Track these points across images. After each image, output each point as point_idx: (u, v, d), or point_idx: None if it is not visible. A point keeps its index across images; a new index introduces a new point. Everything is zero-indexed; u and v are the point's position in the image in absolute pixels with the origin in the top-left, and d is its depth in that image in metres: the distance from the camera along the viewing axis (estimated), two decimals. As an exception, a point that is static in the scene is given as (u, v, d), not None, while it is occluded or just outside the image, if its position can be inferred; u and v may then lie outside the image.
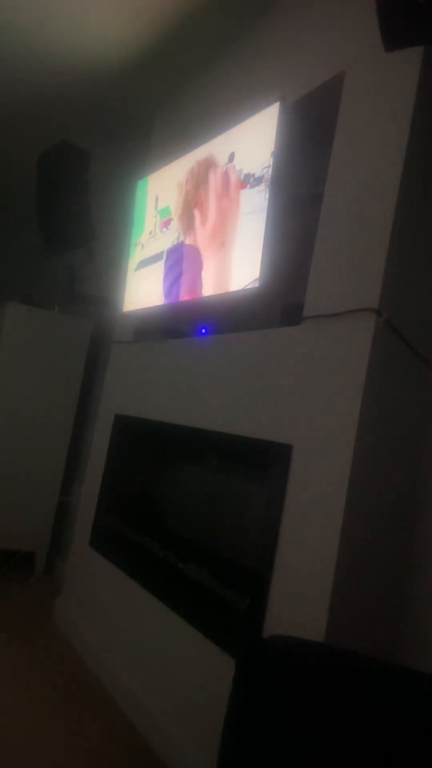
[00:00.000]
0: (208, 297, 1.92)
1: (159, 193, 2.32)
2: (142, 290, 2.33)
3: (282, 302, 1.77)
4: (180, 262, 2.09)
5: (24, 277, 4.62)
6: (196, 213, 2.03)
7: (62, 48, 2.42)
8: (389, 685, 0.94)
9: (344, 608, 1.34)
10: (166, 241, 2.21)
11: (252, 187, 1.79)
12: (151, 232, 2.34)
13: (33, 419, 3.11)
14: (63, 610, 2.47)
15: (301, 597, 1.37)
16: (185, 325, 2.14)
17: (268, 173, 1.73)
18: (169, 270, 2.16)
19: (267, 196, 1.72)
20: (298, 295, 1.63)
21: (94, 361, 3.35)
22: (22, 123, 3.12)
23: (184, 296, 2.04)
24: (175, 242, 2.14)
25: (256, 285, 1.71)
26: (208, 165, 2.02)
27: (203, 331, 2.04)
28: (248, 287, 1.74)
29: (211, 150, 2.02)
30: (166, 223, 2.22)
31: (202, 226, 1.98)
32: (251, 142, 1.84)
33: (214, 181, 1.96)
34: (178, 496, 2.30)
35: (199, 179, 2.05)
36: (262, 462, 1.62)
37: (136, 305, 2.38)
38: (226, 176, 1.91)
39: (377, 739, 0.88)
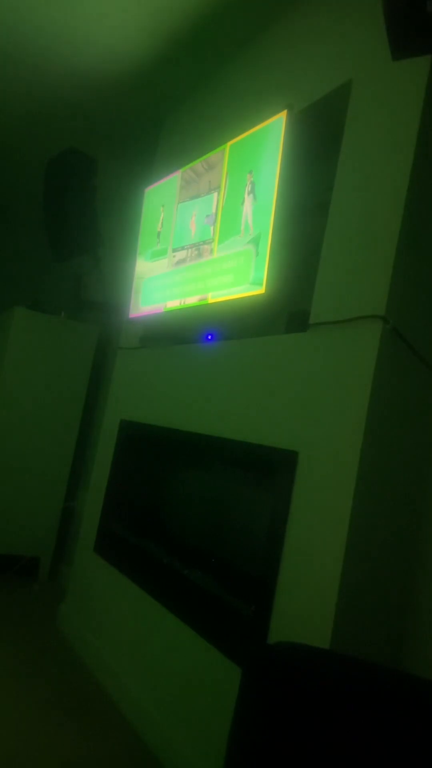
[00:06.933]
0: (215, 303, 1.92)
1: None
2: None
3: (288, 309, 1.77)
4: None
5: (31, 282, 4.65)
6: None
7: (71, 56, 2.45)
8: (396, 692, 0.94)
9: (350, 615, 1.33)
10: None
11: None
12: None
13: (38, 424, 3.12)
14: (66, 615, 2.47)
15: (306, 604, 1.36)
16: (191, 331, 2.15)
17: (276, 181, 1.74)
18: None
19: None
20: (305, 301, 1.64)
21: (100, 366, 3.36)
22: (31, 130, 3.15)
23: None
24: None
25: (262, 291, 1.71)
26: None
27: (209, 337, 2.04)
28: (254, 293, 1.75)
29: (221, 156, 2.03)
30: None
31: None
32: (258, 150, 1.85)
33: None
34: (183, 502, 2.29)
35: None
36: (268, 469, 1.61)
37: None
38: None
39: (384, 747, 0.88)
